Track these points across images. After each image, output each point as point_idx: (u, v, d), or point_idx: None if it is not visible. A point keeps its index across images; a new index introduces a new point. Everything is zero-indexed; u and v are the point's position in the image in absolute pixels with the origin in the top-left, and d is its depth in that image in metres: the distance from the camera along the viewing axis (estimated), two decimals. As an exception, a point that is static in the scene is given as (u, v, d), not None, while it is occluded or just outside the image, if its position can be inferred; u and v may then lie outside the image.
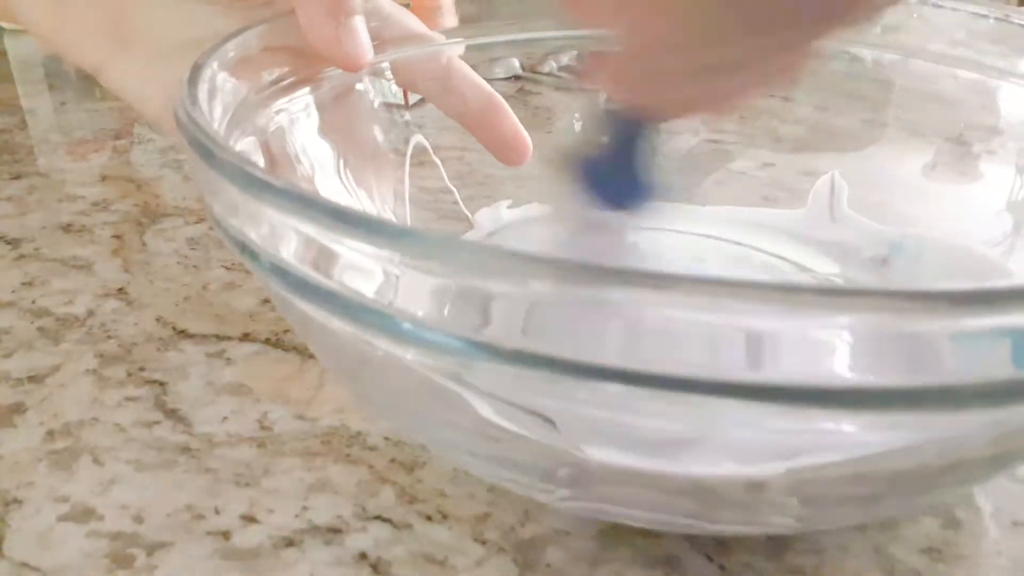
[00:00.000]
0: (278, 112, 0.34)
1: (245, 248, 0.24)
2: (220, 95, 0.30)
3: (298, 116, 0.35)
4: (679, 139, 0.43)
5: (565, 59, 0.43)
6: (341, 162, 0.36)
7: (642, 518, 0.28)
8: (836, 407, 0.19)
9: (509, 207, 0.41)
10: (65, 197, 0.50)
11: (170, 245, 0.45)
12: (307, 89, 0.36)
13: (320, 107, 0.36)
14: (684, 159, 0.43)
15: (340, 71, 0.36)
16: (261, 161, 0.32)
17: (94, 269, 0.43)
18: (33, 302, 0.40)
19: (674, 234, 0.40)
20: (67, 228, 0.46)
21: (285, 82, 0.35)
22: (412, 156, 0.40)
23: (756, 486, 0.25)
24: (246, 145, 0.31)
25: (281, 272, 0.23)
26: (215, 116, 0.29)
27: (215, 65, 0.30)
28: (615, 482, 0.26)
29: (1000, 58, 0.36)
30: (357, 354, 0.25)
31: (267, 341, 0.38)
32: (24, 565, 0.28)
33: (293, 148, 0.35)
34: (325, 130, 0.36)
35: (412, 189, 0.39)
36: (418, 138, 0.40)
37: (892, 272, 0.37)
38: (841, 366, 0.19)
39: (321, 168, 0.36)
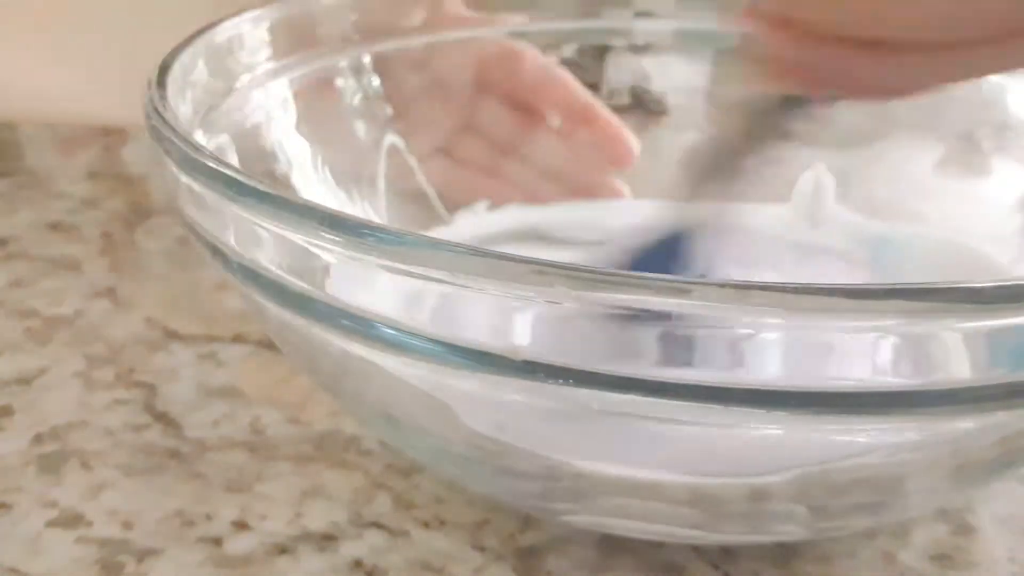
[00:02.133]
0: (255, 108, 0.34)
1: (217, 252, 0.23)
2: (192, 91, 0.29)
3: (275, 112, 0.35)
4: (684, 135, 0.43)
5: (567, 51, 0.42)
6: (319, 159, 0.36)
7: (645, 530, 0.27)
8: (839, 411, 0.19)
9: (488, 209, 0.40)
10: (53, 195, 0.49)
11: (160, 244, 0.45)
12: (285, 83, 0.35)
13: (298, 102, 0.36)
14: (688, 155, 0.42)
15: (318, 64, 0.36)
16: (235, 159, 0.31)
17: (82, 269, 0.42)
18: (20, 302, 0.40)
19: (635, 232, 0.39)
20: (55, 227, 0.46)
21: (260, 72, 0.34)
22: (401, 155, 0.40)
23: (760, 494, 0.24)
24: (221, 142, 0.31)
25: (253, 276, 0.22)
26: (185, 113, 0.28)
27: (186, 61, 0.29)
28: (614, 493, 0.25)
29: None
30: (337, 363, 0.25)
31: (259, 343, 0.37)
32: (13, 571, 0.27)
33: (269, 144, 0.34)
34: (302, 127, 0.36)
35: (394, 188, 0.39)
36: (391, 139, 0.39)
37: (877, 271, 0.37)
38: (840, 369, 0.19)
39: (298, 166, 0.35)
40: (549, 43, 0.42)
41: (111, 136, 0.56)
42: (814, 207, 0.39)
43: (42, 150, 0.55)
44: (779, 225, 0.39)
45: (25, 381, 0.35)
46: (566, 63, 0.42)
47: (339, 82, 0.38)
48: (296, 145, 0.35)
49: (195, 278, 0.42)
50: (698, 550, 0.28)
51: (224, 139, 0.31)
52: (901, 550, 0.28)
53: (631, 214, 0.40)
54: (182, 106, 0.28)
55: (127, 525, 0.29)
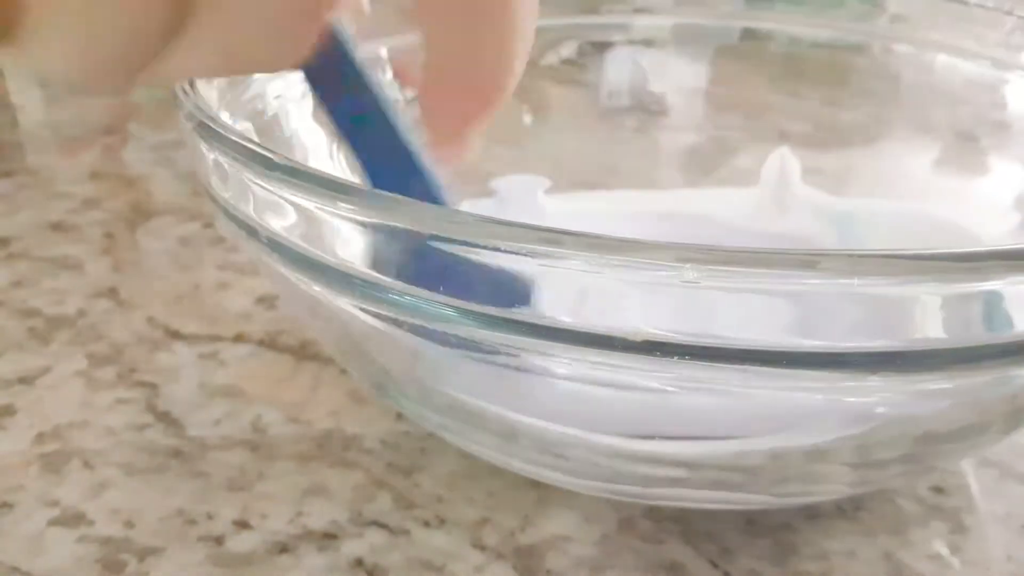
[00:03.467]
0: (275, 98, 0.34)
1: (254, 232, 0.24)
2: (215, 82, 0.29)
3: (293, 103, 0.35)
4: (683, 135, 0.43)
5: (567, 51, 0.42)
6: (333, 147, 0.36)
7: (688, 497, 0.28)
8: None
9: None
10: (55, 195, 0.49)
11: (162, 244, 0.45)
12: (302, 76, 0.35)
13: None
14: (687, 155, 0.42)
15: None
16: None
17: (84, 268, 0.42)
18: (22, 302, 0.40)
19: (607, 220, 0.39)
20: (57, 227, 0.46)
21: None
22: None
23: (817, 455, 0.25)
24: (243, 129, 0.31)
25: (297, 256, 0.23)
26: (210, 99, 0.29)
27: None
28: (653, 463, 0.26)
29: (1007, 51, 0.36)
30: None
31: (261, 342, 0.37)
32: (15, 570, 0.27)
33: (287, 134, 0.35)
34: (318, 116, 0.36)
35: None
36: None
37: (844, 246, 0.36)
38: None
39: (314, 154, 0.35)
40: (548, 40, 0.41)
41: (113, 136, 0.56)
42: (781, 189, 0.39)
43: (44, 150, 0.55)
44: (745, 212, 0.39)
45: (27, 380, 0.35)
46: (565, 62, 0.42)
47: None
48: (312, 134, 0.36)
49: (197, 278, 0.42)
50: (698, 548, 0.28)
51: (247, 126, 0.32)
52: (900, 549, 0.28)
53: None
54: (207, 93, 0.28)
55: (128, 524, 0.29)
